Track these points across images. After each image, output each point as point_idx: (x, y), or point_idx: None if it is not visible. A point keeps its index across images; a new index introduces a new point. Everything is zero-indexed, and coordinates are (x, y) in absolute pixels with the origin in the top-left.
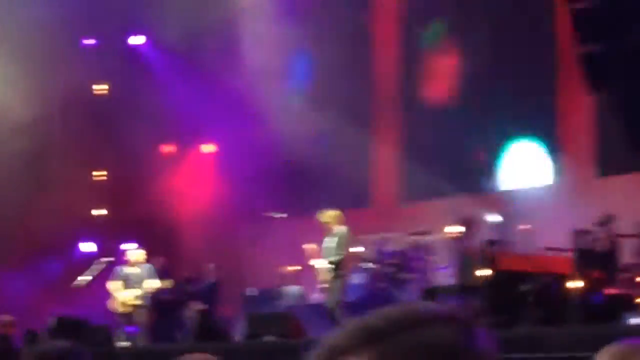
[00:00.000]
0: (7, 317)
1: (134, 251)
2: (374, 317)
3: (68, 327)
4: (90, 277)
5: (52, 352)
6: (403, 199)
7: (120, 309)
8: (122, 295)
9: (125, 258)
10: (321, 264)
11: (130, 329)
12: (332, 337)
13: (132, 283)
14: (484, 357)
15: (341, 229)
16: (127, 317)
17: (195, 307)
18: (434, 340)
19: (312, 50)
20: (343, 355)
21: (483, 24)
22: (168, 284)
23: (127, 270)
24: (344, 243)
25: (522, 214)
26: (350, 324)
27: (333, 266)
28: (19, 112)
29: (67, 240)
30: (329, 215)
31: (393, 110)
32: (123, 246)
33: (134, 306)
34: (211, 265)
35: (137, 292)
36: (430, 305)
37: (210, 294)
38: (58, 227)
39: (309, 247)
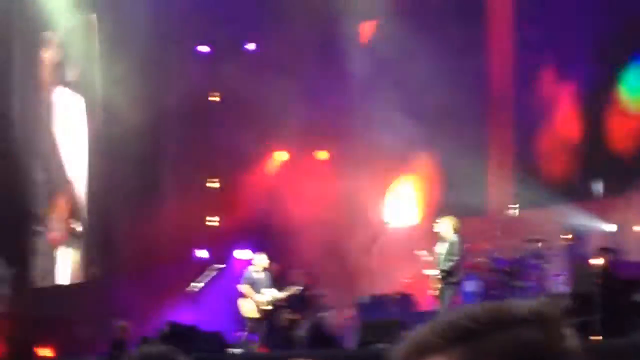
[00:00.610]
0: (122, 323)
1: (260, 256)
2: (461, 315)
3: (180, 333)
4: (202, 284)
5: (150, 355)
6: (517, 207)
7: (250, 314)
8: (256, 299)
9: (252, 262)
10: (433, 271)
11: (251, 336)
12: (417, 333)
13: (258, 288)
14: (572, 357)
15: (454, 236)
16: (254, 322)
17: (285, 316)
18: (525, 339)
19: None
20: (429, 353)
21: None
22: (294, 291)
23: (255, 275)
24: (456, 250)
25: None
26: (437, 322)
27: (444, 274)
28: (133, 116)
29: (181, 248)
30: (442, 222)
31: (506, 116)
32: (236, 253)
33: (264, 311)
34: (299, 272)
35: (267, 297)
36: (519, 305)
37: (299, 301)
38: (172, 234)
39: (421, 254)
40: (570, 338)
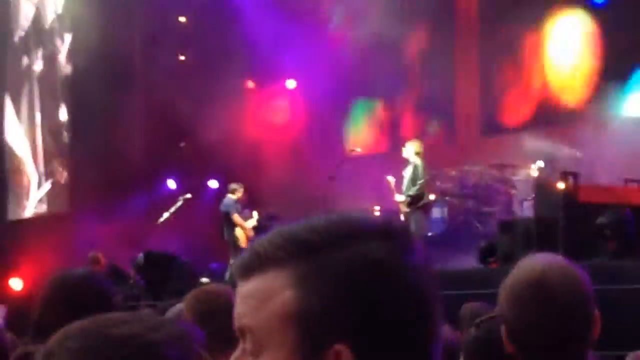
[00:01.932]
0: (93, 253)
1: (238, 185)
2: (303, 228)
3: (156, 262)
4: (169, 214)
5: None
6: (485, 132)
7: (243, 243)
8: (247, 226)
9: (230, 190)
10: (400, 198)
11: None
12: (258, 244)
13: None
14: (418, 272)
15: (417, 159)
16: (239, 251)
17: None
18: (364, 255)
19: None
20: (268, 266)
21: None
22: (255, 219)
23: (236, 203)
24: (418, 175)
25: (602, 146)
26: (279, 233)
27: (410, 199)
28: (101, 37)
29: (150, 175)
30: (407, 146)
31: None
32: (210, 182)
33: (249, 239)
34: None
35: (251, 224)
36: (363, 219)
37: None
38: (141, 162)
39: (390, 180)
40: (417, 253)
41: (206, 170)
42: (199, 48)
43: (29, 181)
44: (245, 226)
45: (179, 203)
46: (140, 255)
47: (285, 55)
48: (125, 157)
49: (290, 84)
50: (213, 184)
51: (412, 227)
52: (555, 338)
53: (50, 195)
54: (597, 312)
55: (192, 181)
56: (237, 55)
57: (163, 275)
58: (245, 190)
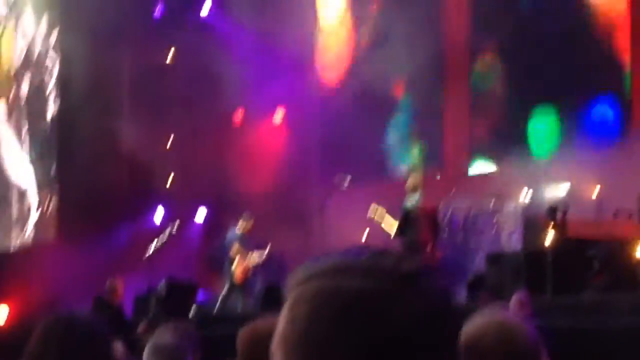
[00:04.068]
0: (112, 281)
1: (246, 217)
2: (311, 263)
3: (180, 293)
4: (158, 246)
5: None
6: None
7: (238, 280)
8: (248, 260)
9: (241, 223)
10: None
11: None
12: (304, 269)
13: (246, 250)
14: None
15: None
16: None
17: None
18: (336, 288)
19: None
20: (289, 291)
21: None
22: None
23: (240, 236)
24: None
25: (589, 179)
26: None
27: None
28: (86, 72)
29: (137, 209)
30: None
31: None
32: (198, 214)
33: (248, 273)
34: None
35: (254, 259)
36: (367, 255)
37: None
38: (131, 197)
39: (375, 208)
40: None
41: (194, 201)
42: (186, 83)
43: (18, 210)
44: (242, 262)
45: (167, 234)
46: (162, 284)
47: (273, 87)
48: (113, 187)
49: (279, 116)
50: (201, 214)
51: None
52: None
53: (37, 224)
54: None
55: (180, 212)
56: (225, 88)
57: (184, 307)
58: (253, 224)
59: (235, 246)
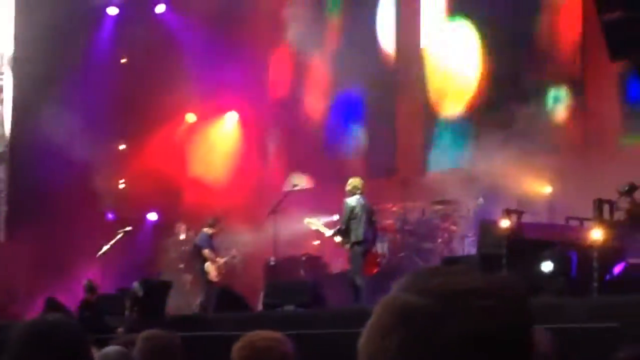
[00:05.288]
0: (88, 281)
1: (216, 219)
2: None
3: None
4: (108, 246)
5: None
6: (427, 169)
7: (214, 277)
8: (220, 263)
9: (209, 225)
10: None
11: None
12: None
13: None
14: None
15: (350, 197)
16: (210, 287)
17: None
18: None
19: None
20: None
21: None
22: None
23: (210, 238)
24: (345, 213)
25: (542, 182)
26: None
27: (340, 237)
28: (41, 74)
29: (91, 211)
30: (348, 183)
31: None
32: (149, 215)
33: (221, 276)
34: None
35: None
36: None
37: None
38: (82, 198)
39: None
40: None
41: (146, 203)
42: (140, 83)
43: None
44: (216, 261)
45: (119, 236)
46: (136, 285)
47: (226, 87)
48: (66, 188)
49: (232, 116)
50: (152, 216)
51: (352, 262)
52: None
53: None
54: None
55: (131, 214)
56: (178, 89)
57: (160, 305)
58: (221, 226)
59: (206, 248)
